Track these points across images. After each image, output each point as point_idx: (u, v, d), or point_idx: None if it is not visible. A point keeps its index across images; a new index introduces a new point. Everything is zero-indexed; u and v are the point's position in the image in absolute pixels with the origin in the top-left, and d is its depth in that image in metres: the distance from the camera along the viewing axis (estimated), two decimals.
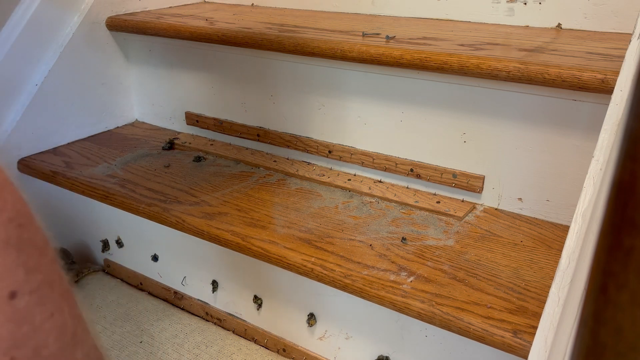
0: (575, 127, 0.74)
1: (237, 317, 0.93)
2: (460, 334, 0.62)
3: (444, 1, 1.03)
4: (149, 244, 1.03)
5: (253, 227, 0.80)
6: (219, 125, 1.10)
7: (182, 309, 1.00)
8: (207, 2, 1.32)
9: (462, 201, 0.85)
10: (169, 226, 0.85)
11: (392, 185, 0.91)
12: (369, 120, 0.91)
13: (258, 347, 0.90)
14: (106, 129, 1.20)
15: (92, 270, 1.11)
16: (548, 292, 0.51)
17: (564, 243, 0.53)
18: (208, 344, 0.91)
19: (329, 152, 0.97)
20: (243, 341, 0.91)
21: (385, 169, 0.92)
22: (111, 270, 1.11)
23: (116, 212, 0.96)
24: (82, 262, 1.14)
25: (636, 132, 0.18)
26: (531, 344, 0.52)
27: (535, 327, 0.52)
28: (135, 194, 0.91)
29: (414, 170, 0.89)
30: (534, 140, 0.78)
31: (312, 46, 0.87)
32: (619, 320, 0.20)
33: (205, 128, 1.12)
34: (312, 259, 0.72)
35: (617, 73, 0.62)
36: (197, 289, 0.98)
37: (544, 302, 0.52)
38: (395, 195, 0.88)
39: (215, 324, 0.96)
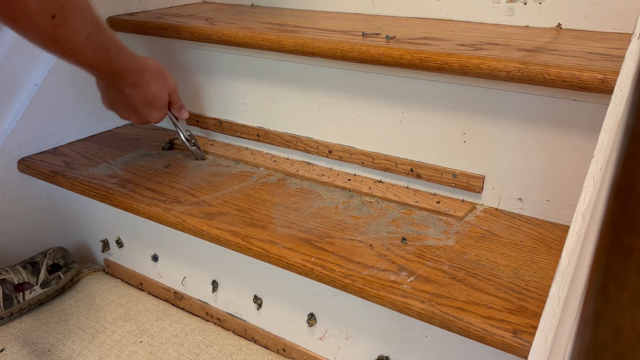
0: (575, 127, 0.74)
1: (237, 317, 0.93)
2: (460, 334, 0.62)
3: (444, 1, 1.03)
4: (149, 244, 1.03)
5: (253, 227, 0.80)
6: (219, 125, 1.10)
7: (182, 309, 1.00)
8: (207, 2, 1.32)
9: (462, 201, 0.85)
10: (169, 226, 0.85)
11: (392, 185, 0.91)
12: (369, 120, 0.91)
13: (258, 347, 0.90)
14: (106, 129, 1.20)
15: (92, 270, 1.11)
16: (548, 292, 0.51)
17: (564, 243, 0.53)
18: (208, 343, 0.91)
19: (329, 152, 0.97)
20: (243, 341, 0.91)
21: (385, 169, 0.92)
22: (111, 270, 1.11)
23: (116, 212, 0.96)
24: (82, 262, 1.14)
25: (636, 132, 0.18)
26: (531, 344, 0.51)
27: (535, 327, 0.52)
28: (135, 194, 0.91)
29: (414, 170, 0.89)
30: (534, 140, 0.78)
31: (312, 46, 0.87)
32: (619, 320, 0.20)
33: (205, 128, 1.12)
34: (312, 259, 0.72)
35: (617, 73, 0.62)
36: (197, 289, 0.98)
37: (544, 302, 0.52)
38: (395, 195, 0.88)
39: (215, 324, 0.96)
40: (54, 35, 0.73)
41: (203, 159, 1.04)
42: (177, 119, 1.03)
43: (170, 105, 0.98)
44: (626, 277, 0.20)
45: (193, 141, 1.05)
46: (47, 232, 1.13)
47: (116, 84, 0.90)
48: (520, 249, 0.74)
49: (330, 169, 0.98)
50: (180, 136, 1.03)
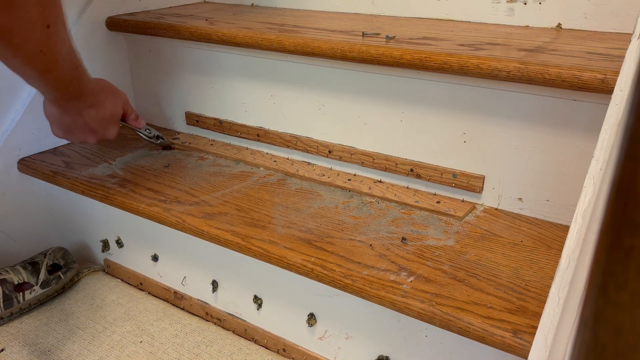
0: (575, 127, 0.74)
1: (237, 317, 0.93)
2: (460, 334, 0.62)
3: (444, 1, 1.03)
4: (149, 244, 1.03)
5: (253, 227, 0.80)
6: (219, 125, 1.10)
7: (182, 309, 1.00)
8: (207, 2, 1.32)
9: (462, 201, 0.85)
10: (169, 226, 0.85)
11: (392, 185, 0.91)
12: (369, 120, 0.91)
13: (258, 347, 0.90)
14: None
15: (92, 270, 1.11)
16: (548, 292, 0.51)
17: (564, 243, 0.53)
18: (208, 343, 0.91)
19: (329, 152, 0.97)
20: (243, 341, 0.91)
21: (385, 169, 0.92)
22: (111, 270, 1.11)
23: (116, 212, 0.96)
24: (82, 262, 1.14)
25: (636, 132, 0.18)
26: (531, 344, 0.52)
27: (535, 327, 0.52)
28: (135, 194, 0.91)
29: (414, 170, 0.89)
30: (534, 140, 0.78)
31: (312, 46, 0.87)
32: (619, 320, 0.20)
33: (205, 128, 1.12)
34: (312, 259, 0.72)
35: (617, 73, 0.62)
36: (197, 289, 0.98)
37: (544, 302, 0.52)
38: (395, 195, 0.88)
39: (215, 324, 0.96)
40: (45, 46, 0.70)
41: (170, 148, 1.10)
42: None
43: (125, 117, 0.98)
44: (626, 277, 0.20)
45: (157, 134, 1.08)
46: (47, 232, 1.13)
47: (74, 107, 0.87)
48: (520, 249, 0.74)
49: (330, 169, 0.98)
50: (142, 136, 1.05)
